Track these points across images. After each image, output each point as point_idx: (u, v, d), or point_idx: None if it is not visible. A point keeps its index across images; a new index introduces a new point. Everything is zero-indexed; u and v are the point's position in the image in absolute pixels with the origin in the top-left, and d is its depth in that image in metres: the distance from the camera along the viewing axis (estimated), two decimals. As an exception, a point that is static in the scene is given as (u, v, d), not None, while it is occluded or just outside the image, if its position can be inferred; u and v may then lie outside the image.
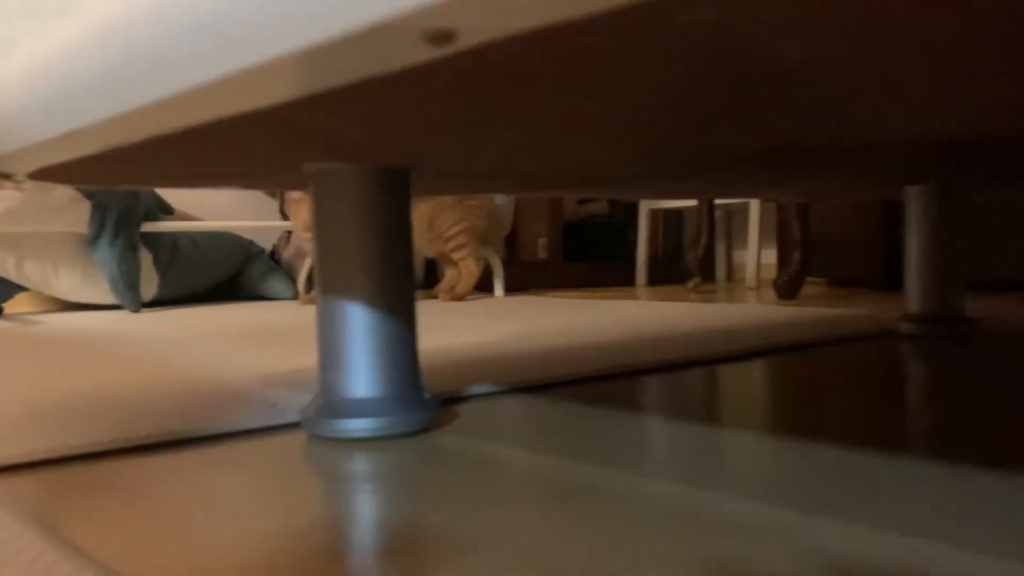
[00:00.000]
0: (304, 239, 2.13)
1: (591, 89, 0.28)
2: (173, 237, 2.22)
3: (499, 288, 2.48)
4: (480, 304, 2.04)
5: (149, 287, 2.17)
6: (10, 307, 2.21)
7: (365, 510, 0.43)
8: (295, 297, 2.43)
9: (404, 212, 0.62)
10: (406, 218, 0.62)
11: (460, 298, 2.16)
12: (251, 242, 2.49)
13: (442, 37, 0.24)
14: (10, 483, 0.49)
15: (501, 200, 2.67)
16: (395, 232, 0.61)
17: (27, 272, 2.04)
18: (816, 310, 1.60)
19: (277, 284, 2.44)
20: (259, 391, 0.76)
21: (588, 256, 3.27)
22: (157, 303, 2.26)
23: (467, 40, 0.24)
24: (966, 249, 1.13)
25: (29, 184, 1.93)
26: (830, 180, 0.96)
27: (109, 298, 2.11)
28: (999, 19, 0.25)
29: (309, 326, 1.50)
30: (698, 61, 0.25)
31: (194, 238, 2.28)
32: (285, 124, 0.37)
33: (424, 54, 0.25)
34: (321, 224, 0.61)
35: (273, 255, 2.58)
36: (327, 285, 0.61)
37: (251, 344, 1.19)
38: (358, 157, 0.56)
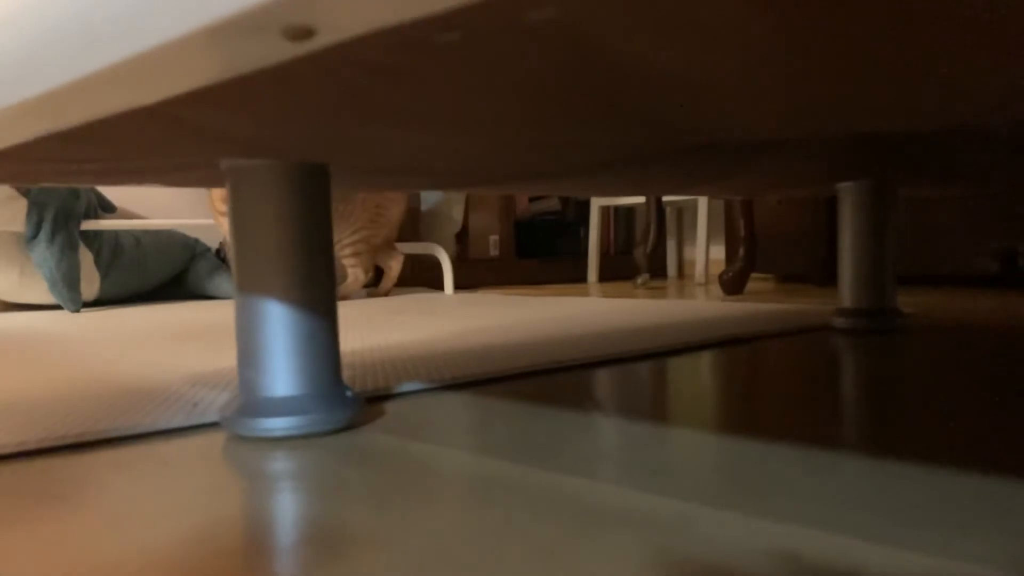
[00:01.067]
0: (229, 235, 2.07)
1: (456, 86, 0.29)
2: (115, 235, 2.18)
3: (448, 285, 2.47)
4: (426, 301, 2.03)
5: (90, 287, 2.13)
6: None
7: (280, 510, 0.43)
8: (242, 296, 2.41)
9: (323, 208, 0.61)
10: (326, 214, 0.61)
11: (345, 298, 2.25)
12: (196, 240, 2.45)
13: (301, 33, 0.24)
14: (-91, 488, 0.48)
15: (436, 197, 2.69)
16: (314, 229, 0.60)
17: None
18: (757, 305, 1.63)
19: (223, 283, 2.41)
20: (184, 391, 0.75)
21: (540, 253, 3.28)
22: (99, 303, 2.22)
23: (326, 37, 0.24)
24: (897, 244, 1.15)
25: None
26: (759, 177, 0.97)
27: (48, 298, 2.07)
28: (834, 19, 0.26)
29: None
30: (552, 60, 0.25)
31: (137, 236, 2.24)
32: (175, 121, 0.37)
33: (286, 51, 0.25)
34: (239, 220, 0.60)
35: (219, 253, 2.55)
36: (245, 282, 0.60)
37: (187, 344, 1.18)
38: (268, 154, 0.55)
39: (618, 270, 3.37)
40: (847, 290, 1.17)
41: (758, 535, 0.36)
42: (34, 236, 1.98)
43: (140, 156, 0.52)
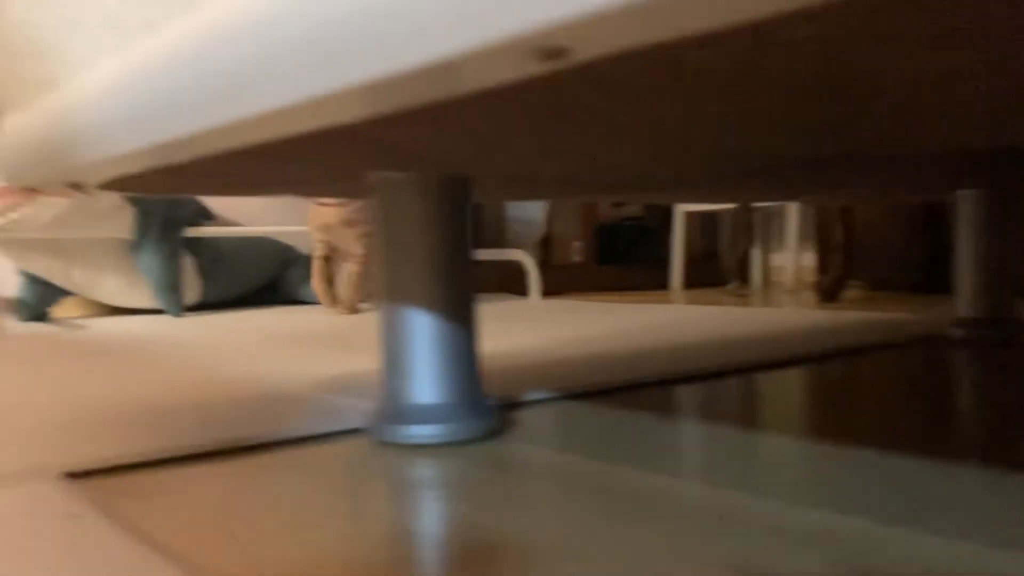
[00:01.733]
0: (317, 240, 1.99)
1: (688, 100, 0.29)
2: (215, 242, 2.24)
3: (534, 292, 2.48)
4: (514, 308, 2.04)
5: (191, 292, 2.19)
6: (57, 312, 2.24)
7: (438, 518, 0.43)
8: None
9: (465, 219, 0.62)
10: (467, 225, 0.62)
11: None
12: (290, 247, 2.51)
13: (554, 53, 0.24)
14: (92, 487, 0.51)
15: (520, 202, 2.67)
16: (457, 239, 0.61)
17: (74, 277, 2.08)
18: (861, 314, 1.59)
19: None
20: (316, 396, 0.77)
21: (622, 259, 3.26)
22: (199, 307, 2.29)
23: (577, 56, 0.24)
24: (1018, 253, 1.12)
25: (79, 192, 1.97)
26: (880, 184, 0.95)
27: (152, 302, 2.14)
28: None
29: (347, 331, 1.51)
30: (797, 74, 0.25)
31: (235, 243, 2.30)
32: (361, 138, 0.38)
33: (532, 69, 0.25)
34: (384, 231, 0.61)
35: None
36: (390, 291, 0.62)
37: (296, 349, 1.21)
38: (421, 166, 0.56)
39: (701, 277, 3.34)
40: (965, 299, 1.14)
41: (923, 549, 0.35)
42: (140, 243, 2.05)
43: (303, 170, 0.53)
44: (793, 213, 2.76)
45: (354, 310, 1.94)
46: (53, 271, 2.06)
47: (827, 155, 0.59)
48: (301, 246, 2.67)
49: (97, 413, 0.73)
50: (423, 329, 0.61)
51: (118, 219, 2.04)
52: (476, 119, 0.37)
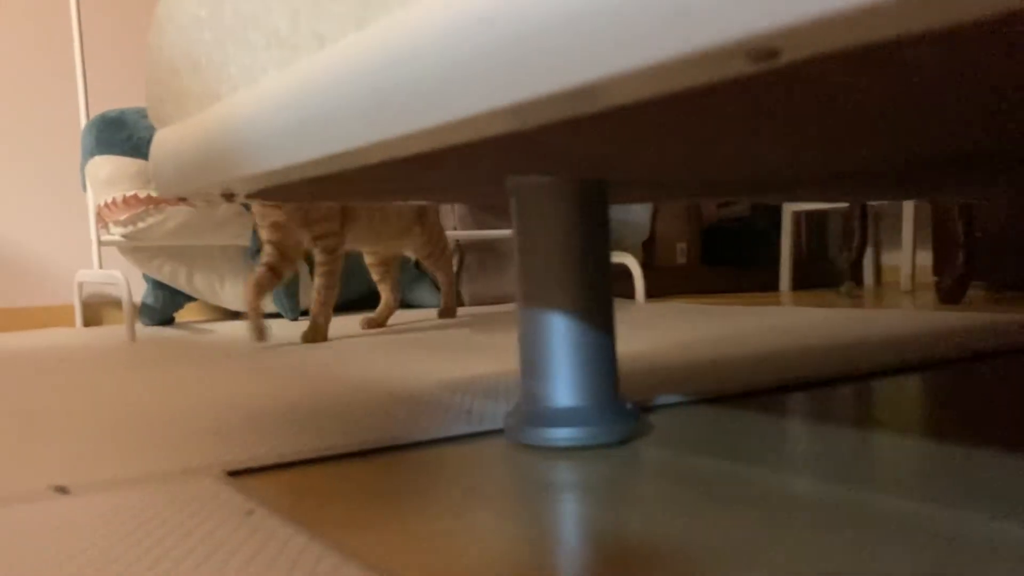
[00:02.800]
0: (265, 242, 1.50)
1: (881, 97, 0.28)
2: (327, 248, 2.31)
3: (639, 295, 2.46)
4: (622, 311, 2.03)
5: (306, 296, 2.26)
6: (180, 316, 2.35)
7: (585, 522, 0.43)
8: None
9: (603, 221, 0.62)
10: (605, 227, 0.62)
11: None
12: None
13: (765, 55, 0.24)
14: (253, 485, 0.53)
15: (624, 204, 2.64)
16: (595, 242, 0.62)
17: (196, 283, 2.17)
18: (985, 316, 1.52)
19: (423, 292, 2.50)
20: (447, 398, 0.79)
21: (728, 260, 3.21)
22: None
23: (788, 57, 0.24)
24: None
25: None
26: (1014, 179, 0.91)
27: (270, 307, 2.21)
28: None
29: (460, 334, 1.53)
30: (995, 68, 0.25)
31: (347, 252, 2.37)
32: (516, 145, 0.39)
33: (739, 70, 0.25)
34: (524, 235, 0.62)
35: (418, 264, 2.65)
36: (528, 295, 0.62)
37: (413, 351, 1.23)
38: (564, 170, 0.57)
39: (811, 277, 3.25)
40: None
41: None
42: (259, 249, 2.13)
43: (448, 176, 0.54)
44: (908, 210, 2.66)
45: (324, 336, 1.52)
46: (177, 277, 2.15)
47: (980, 151, 0.57)
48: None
49: (241, 414, 0.76)
50: (562, 332, 0.61)
51: (237, 226, 2.12)
52: (642, 122, 0.37)
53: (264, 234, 1.50)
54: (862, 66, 0.25)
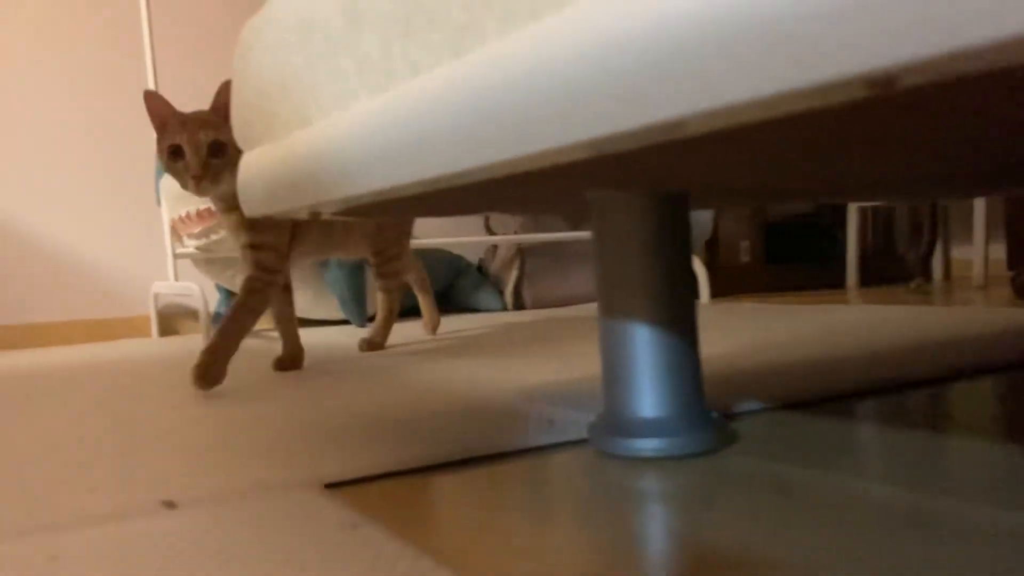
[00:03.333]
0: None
1: (986, 110, 0.28)
2: (391, 255, 2.34)
3: (704, 295, 2.44)
4: (691, 312, 2.01)
5: (372, 303, 2.30)
6: (251, 324, 2.40)
7: (678, 532, 0.44)
8: (504, 309, 2.51)
9: (684, 231, 0.62)
10: (686, 236, 0.63)
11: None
12: (460, 257, 2.58)
13: (882, 83, 0.24)
14: (352, 497, 0.54)
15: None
16: (676, 250, 0.62)
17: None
18: (1073, 312, 1.47)
19: (486, 296, 2.52)
20: (526, 407, 0.80)
21: (792, 258, 3.16)
22: (377, 317, 2.40)
23: (903, 84, 0.24)
24: None
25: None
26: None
27: (338, 314, 2.25)
28: None
29: (525, 338, 1.54)
30: None
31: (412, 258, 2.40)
32: (611, 163, 0.39)
33: (854, 96, 0.26)
34: (604, 247, 0.62)
35: (480, 268, 2.67)
36: (609, 305, 0.63)
37: (486, 357, 1.24)
38: (648, 186, 0.57)
39: (878, 273, 3.18)
40: None
41: None
42: (328, 260, 2.17)
43: (527, 192, 0.55)
44: (979, 202, 2.59)
45: (219, 378, 1.08)
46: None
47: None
48: (470, 256, 2.74)
49: (325, 425, 0.78)
50: (645, 343, 0.61)
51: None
52: (734, 141, 0.37)
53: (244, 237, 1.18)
54: (968, 86, 0.25)
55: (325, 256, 1.46)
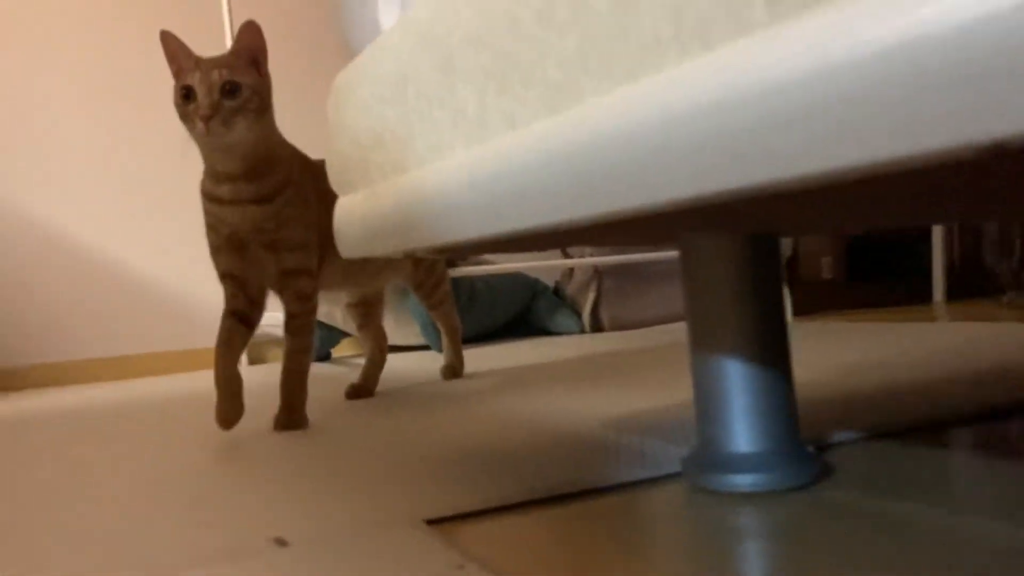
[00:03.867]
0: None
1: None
2: (471, 281, 2.37)
3: (787, 313, 2.41)
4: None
5: (451, 328, 2.33)
6: (336, 351, 2.46)
7: (784, 569, 0.44)
8: (581, 331, 2.51)
9: (775, 267, 0.63)
10: (777, 273, 0.63)
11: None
12: (537, 280, 2.60)
13: (995, 149, 0.25)
14: (453, 535, 0.56)
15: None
16: (768, 284, 0.62)
17: (351, 320, 2.27)
18: None
19: (563, 318, 2.53)
20: (616, 438, 0.80)
21: (876, 273, 3.09)
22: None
23: (1014, 146, 0.25)
24: None
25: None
26: None
27: (419, 339, 2.29)
28: None
29: (605, 363, 1.54)
30: None
31: (488, 280, 2.42)
32: (707, 210, 0.40)
33: (961, 157, 0.26)
34: (694, 284, 0.63)
35: (557, 291, 2.68)
36: (701, 341, 0.63)
37: (569, 383, 1.25)
38: (737, 228, 0.58)
39: (967, 288, 3.08)
40: None
41: None
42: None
43: (620, 230, 0.56)
44: (1077, 213, 2.49)
45: (303, 422, 1.07)
46: (334, 315, 2.26)
47: None
48: (546, 278, 2.76)
49: (420, 458, 0.80)
50: (738, 377, 0.62)
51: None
52: (836, 192, 0.37)
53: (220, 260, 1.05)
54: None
55: (349, 288, 1.32)
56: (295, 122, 2.45)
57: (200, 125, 0.95)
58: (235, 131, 0.97)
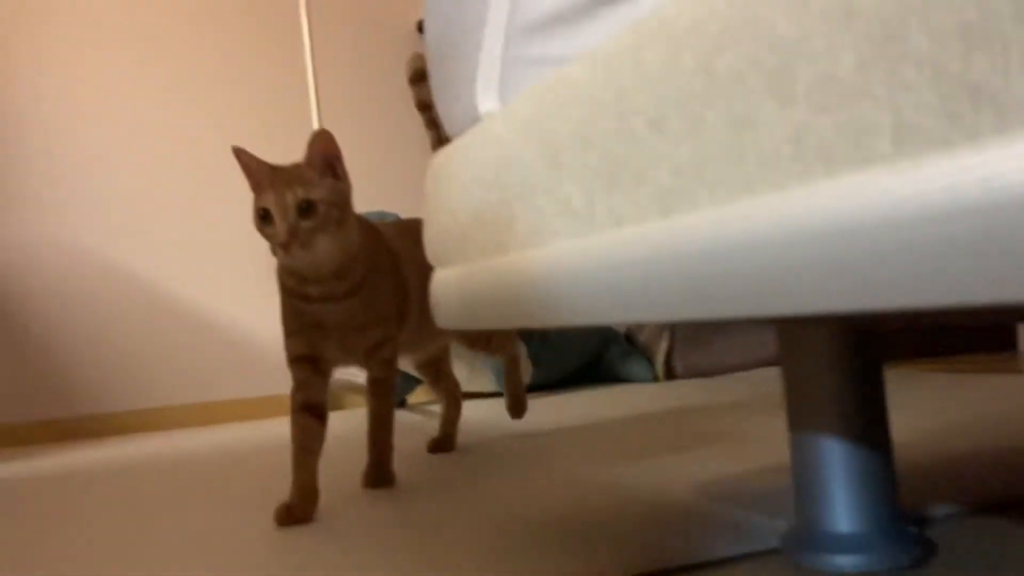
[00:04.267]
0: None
1: None
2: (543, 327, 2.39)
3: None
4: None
5: (524, 375, 2.34)
6: (412, 399, 2.50)
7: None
8: (654, 379, 2.50)
9: (876, 352, 0.63)
10: (878, 357, 0.63)
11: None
12: (609, 327, 2.60)
13: None
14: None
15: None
16: (869, 372, 0.62)
17: (425, 379, 2.31)
18: None
19: (636, 366, 2.52)
20: (708, 508, 0.80)
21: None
22: (530, 389, 2.44)
23: None
24: None
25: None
26: None
27: (492, 387, 2.31)
28: None
29: (685, 416, 1.53)
30: None
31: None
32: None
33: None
34: (793, 366, 0.63)
35: (629, 337, 2.68)
36: (800, 419, 0.63)
37: (650, 441, 1.25)
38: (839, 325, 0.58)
39: (1055, 332, 2.97)
40: None
41: None
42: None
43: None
44: None
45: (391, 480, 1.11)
46: (409, 363, 2.30)
47: None
48: (619, 325, 2.76)
49: (516, 526, 0.81)
50: (837, 457, 0.62)
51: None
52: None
53: (292, 345, 1.03)
54: None
55: (413, 350, 1.27)
56: (385, 180, 2.50)
57: (279, 250, 0.91)
58: (317, 250, 0.93)
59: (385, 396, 1.10)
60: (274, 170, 0.93)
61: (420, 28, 2.68)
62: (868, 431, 0.62)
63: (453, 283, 0.73)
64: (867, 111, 0.30)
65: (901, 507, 0.76)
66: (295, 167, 0.94)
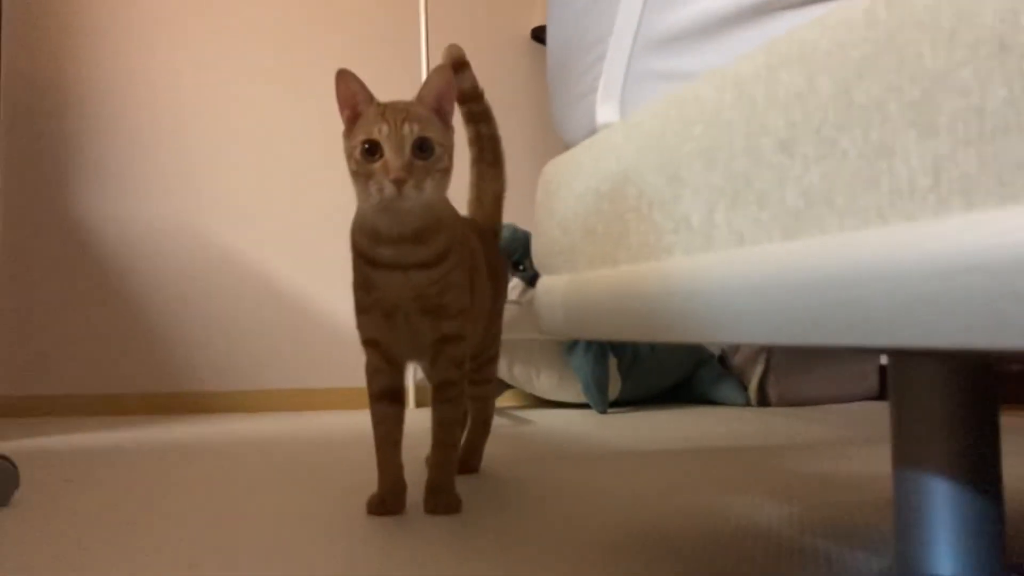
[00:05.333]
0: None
1: None
2: (634, 344, 2.38)
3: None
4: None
5: (613, 388, 2.33)
6: (499, 402, 2.52)
7: None
8: (746, 404, 2.45)
9: (992, 391, 0.61)
10: (994, 397, 0.61)
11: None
12: (700, 347, 2.57)
13: None
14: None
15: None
16: (984, 412, 0.60)
17: (515, 373, 2.32)
18: None
19: (728, 390, 2.48)
20: (801, 540, 0.79)
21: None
22: (616, 403, 2.43)
23: None
24: None
25: (525, 300, 2.22)
26: None
27: (579, 397, 2.31)
28: None
29: (780, 444, 1.50)
30: None
31: (652, 344, 2.42)
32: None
33: None
34: (903, 402, 0.62)
35: (723, 360, 2.64)
36: (906, 457, 0.62)
37: (740, 467, 1.23)
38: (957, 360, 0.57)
39: None
40: None
41: None
42: (573, 345, 2.24)
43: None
44: None
45: (456, 505, 0.97)
46: (499, 368, 2.32)
47: None
48: (712, 346, 2.72)
49: (591, 539, 0.81)
50: (945, 498, 0.60)
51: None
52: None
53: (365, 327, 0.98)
54: None
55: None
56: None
57: (389, 188, 0.83)
58: (424, 194, 0.85)
59: (453, 402, 0.98)
60: (385, 103, 0.87)
61: (535, 36, 2.70)
62: (979, 472, 0.60)
63: (556, 291, 0.74)
64: (1015, 146, 0.30)
65: (1008, 558, 0.73)
66: (409, 103, 0.88)
